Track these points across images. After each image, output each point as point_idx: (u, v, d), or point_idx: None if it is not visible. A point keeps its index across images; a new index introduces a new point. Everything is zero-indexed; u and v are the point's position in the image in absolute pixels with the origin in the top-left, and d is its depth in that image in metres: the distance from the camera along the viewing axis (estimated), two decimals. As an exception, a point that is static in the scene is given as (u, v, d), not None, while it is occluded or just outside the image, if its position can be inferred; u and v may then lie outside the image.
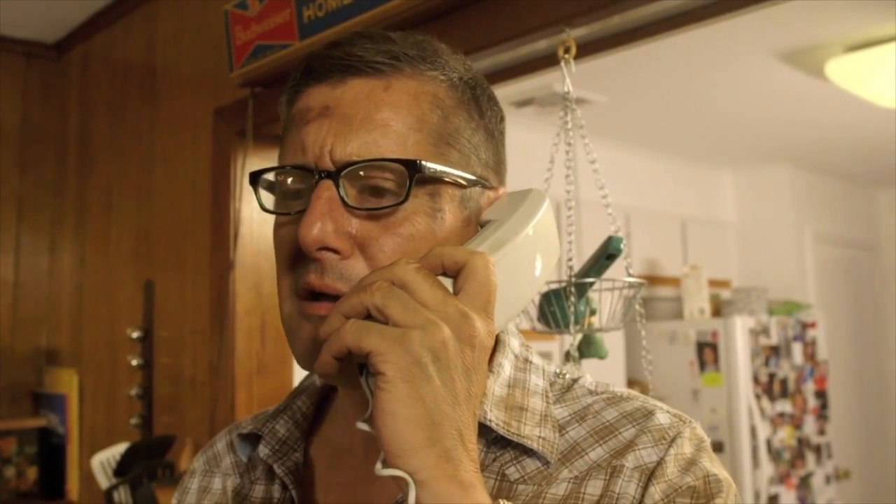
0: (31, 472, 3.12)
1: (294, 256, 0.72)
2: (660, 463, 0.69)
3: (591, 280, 1.66)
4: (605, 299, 1.70)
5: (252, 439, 0.86)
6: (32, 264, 3.37)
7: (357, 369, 0.63)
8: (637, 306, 1.71)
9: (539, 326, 1.72)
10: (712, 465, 0.71)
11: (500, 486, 0.71)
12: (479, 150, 0.76)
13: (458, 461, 0.58)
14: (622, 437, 0.72)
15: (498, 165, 0.79)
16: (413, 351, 0.59)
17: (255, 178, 0.75)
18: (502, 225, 0.73)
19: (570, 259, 1.68)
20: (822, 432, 4.83)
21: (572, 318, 1.64)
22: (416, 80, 0.73)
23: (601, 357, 1.74)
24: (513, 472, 0.72)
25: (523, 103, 3.78)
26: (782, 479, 4.45)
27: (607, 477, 0.69)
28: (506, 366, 0.78)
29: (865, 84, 3.49)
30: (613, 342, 3.17)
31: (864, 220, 6.05)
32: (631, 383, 4.40)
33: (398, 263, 0.64)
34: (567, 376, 0.81)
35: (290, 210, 0.73)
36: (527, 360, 0.80)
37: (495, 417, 0.72)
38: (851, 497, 5.17)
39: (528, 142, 3.90)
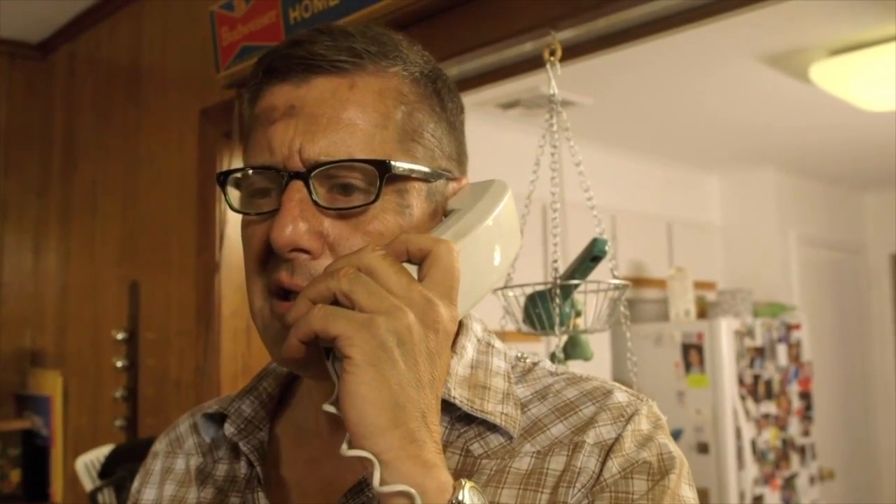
0: (15, 475, 3.10)
1: (264, 254, 0.73)
2: (618, 439, 0.71)
3: (576, 282, 1.67)
4: (591, 301, 1.71)
5: (217, 419, 0.87)
6: (16, 265, 3.35)
7: (323, 354, 0.65)
8: (622, 308, 1.72)
9: (524, 328, 1.73)
10: (668, 442, 0.73)
11: (465, 462, 0.73)
12: (443, 142, 0.77)
13: (421, 442, 0.60)
14: (582, 413, 0.74)
15: (460, 156, 0.81)
16: (379, 335, 0.61)
17: (224, 179, 0.75)
18: (465, 214, 0.75)
19: (555, 261, 1.69)
20: (806, 433, 4.85)
21: (557, 320, 1.64)
22: (380, 76, 0.74)
23: (586, 358, 1.75)
24: (476, 447, 0.74)
25: (509, 105, 3.79)
26: (767, 479, 4.47)
27: (569, 453, 0.71)
28: (469, 348, 0.80)
29: (850, 87, 3.51)
30: (599, 344, 3.18)
31: (848, 223, 6.08)
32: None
33: (364, 250, 0.65)
34: (528, 360, 0.83)
35: (259, 209, 0.73)
36: (489, 344, 0.83)
37: (459, 395, 0.74)
38: (835, 497, 5.19)
39: (513, 144, 3.90)
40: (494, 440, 0.74)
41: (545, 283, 1.69)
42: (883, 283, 6.13)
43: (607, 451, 0.71)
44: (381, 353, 0.61)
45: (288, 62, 0.73)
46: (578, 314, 1.71)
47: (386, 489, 0.59)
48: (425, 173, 0.74)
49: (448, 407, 0.74)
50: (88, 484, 2.46)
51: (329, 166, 0.70)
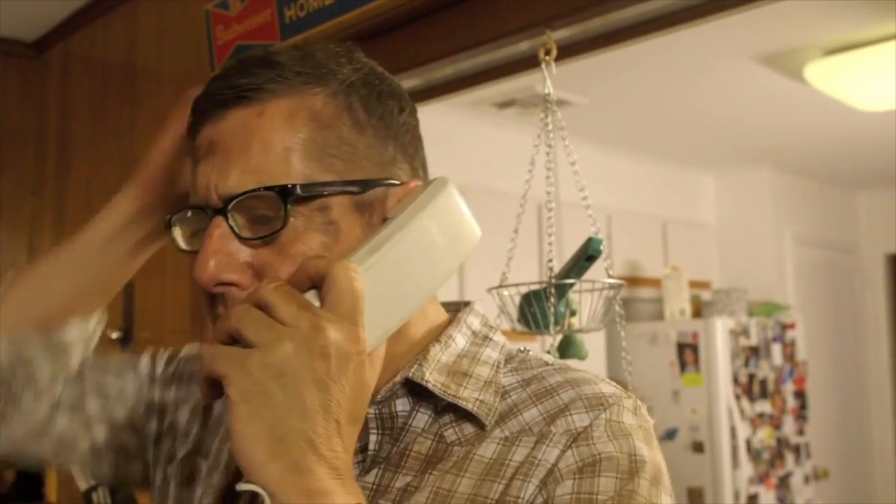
0: (9, 474, 3.09)
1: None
2: (588, 427, 0.70)
3: (571, 281, 1.67)
4: (586, 300, 1.71)
5: None
6: (10, 264, 3.33)
7: None
8: (617, 307, 1.72)
9: (519, 327, 1.73)
10: (648, 446, 0.71)
11: (437, 448, 0.74)
12: (371, 151, 0.75)
13: (306, 471, 0.59)
14: (558, 398, 0.74)
15: (406, 159, 0.78)
16: (252, 371, 0.61)
17: (168, 224, 0.79)
18: (388, 224, 0.72)
19: (550, 260, 1.69)
20: (801, 432, 4.86)
21: (552, 319, 1.65)
22: (290, 98, 0.73)
23: (581, 358, 1.75)
24: (450, 433, 0.74)
25: (504, 105, 3.79)
26: (761, 478, 4.48)
27: (533, 444, 0.71)
28: (458, 339, 0.80)
29: (844, 87, 3.52)
30: (594, 343, 3.18)
31: (843, 222, 6.09)
32: (612, 384, 4.41)
33: (262, 284, 0.65)
34: (530, 352, 0.83)
35: (195, 246, 0.75)
36: (486, 337, 0.82)
37: (433, 379, 0.74)
38: (830, 496, 5.20)
39: (508, 143, 3.91)
40: (469, 427, 0.74)
41: (540, 283, 1.69)
42: (877, 283, 6.14)
43: (574, 438, 0.70)
44: (254, 388, 0.60)
45: (207, 99, 0.74)
46: (573, 313, 1.71)
47: None
48: (345, 186, 0.73)
49: (429, 395, 0.75)
50: (83, 483, 2.46)
51: (237, 199, 0.70)
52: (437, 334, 0.80)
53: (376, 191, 0.74)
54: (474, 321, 0.83)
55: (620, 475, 0.68)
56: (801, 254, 5.46)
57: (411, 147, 0.79)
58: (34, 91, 3.42)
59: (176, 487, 0.90)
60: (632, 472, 0.68)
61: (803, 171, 5.44)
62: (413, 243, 0.72)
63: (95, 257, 0.95)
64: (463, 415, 0.75)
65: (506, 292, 1.73)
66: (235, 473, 0.82)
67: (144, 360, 0.98)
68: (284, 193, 0.69)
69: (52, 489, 3.06)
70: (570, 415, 0.72)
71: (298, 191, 0.70)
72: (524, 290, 1.71)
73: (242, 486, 0.60)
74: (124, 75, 2.94)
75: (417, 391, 0.76)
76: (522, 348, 0.84)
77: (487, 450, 0.72)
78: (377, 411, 0.75)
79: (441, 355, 0.77)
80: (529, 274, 2.88)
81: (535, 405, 0.74)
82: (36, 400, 0.90)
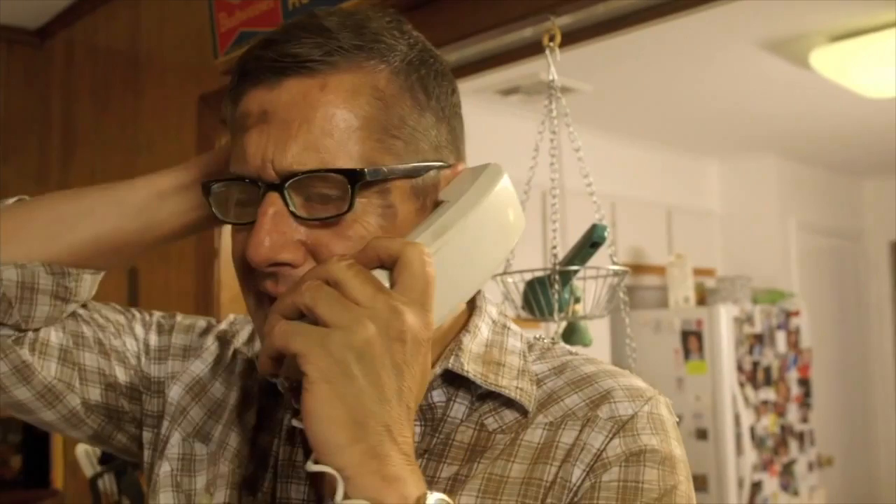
0: (16, 461, 3.11)
1: (248, 263, 0.71)
2: (632, 417, 0.72)
3: (575, 268, 1.67)
4: (590, 287, 1.71)
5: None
6: (15, 252, 3.34)
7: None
8: (621, 294, 1.72)
9: (523, 314, 1.73)
10: (679, 445, 0.74)
11: (479, 436, 0.74)
12: (429, 133, 0.74)
13: (383, 457, 0.59)
14: (599, 385, 0.75)
15: (454, 142, 0.78)
16: (334, 352, 0.60)
17: (207, 189, 0.75)
18: (448, 209, 0.72)
19: (554, 247, 1.69)
20: (805, 420, 4.86)
21: (556, 306, 1.65)
22: (354, 73, 0.70)
23: (585, 345, 1.75)
24: (491, 422, 0.75)
25: (509, 91, 3.78)
26: (766, 466, 4.49)
27: (580, 427, 0.72)
28: (483, 328, 0.80)
29: (850, 74, 3.50)
30: (598, 330, 3.18)
31: (848, 210, 6.08)
32: (616, 371, 4.41)
33: (331, 261, 0.64)
34: (546, 340, 0.84)
35: (242, 219, 0.73)
36: (504, 326, 0.83)
37: (473, 370, 0.75)
38: (834, 483, 5.21)
39: (513, 130, 3.90)
40: (509, 415, 0.75)
41: (544, 270, 1.69)
42: (882, 270, 6.13)
43: (620, 426, 0.71)
44: (336, 370, 0.59)
45: (259, 64, 0.71)
46: (577, 300, 1.71)
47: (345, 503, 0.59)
48: (407, 170, 0.71)
49: (467, 384, 0.75)
50: (89, 470, 2.47)
51: (300, 177, 0.68)
52: (462, 323, 0.80)
53: (430, 174, 0.74)
54: (492, 310, 0.84)
55: (663, 468, 0.70)
56: (806, 241, 5.45)
57: (459, 129, 0.79)
58: (38, 79, 3.41)
59: (172, 471, 0.87)
60: (673, 466, 0.71)
61: (808, 158, 5.42)
62: (475, 229, 0.72)
63: (149, 205, 0.87)
64: (502, 403, 0.75)
65: (510, 279, 1.73)
66: (275, 468, 0.81)
67: (138, 326, 0.94)
68: (354, 178, 0.68)
69: (58, 476, 3.07)
70: (615, 402, 0.73)
71: (367, 176, 0.68)
72: (528, 276, 1.71)
73: (314, 467, 0.60)
74: (127, 63, 2.94)
75: (452, 381, 0.76)
76: (537, 336, 0.84)
77: (534, 435, 0.73)
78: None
79: (471, 345, 0.77)
80: (534, 261, 2.88)
81: (576, 392, 0.75)
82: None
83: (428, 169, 0.73)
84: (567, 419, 0.73)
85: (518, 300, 1.73)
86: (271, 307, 0.65)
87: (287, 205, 0.68)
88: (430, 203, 0.74)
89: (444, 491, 0.69)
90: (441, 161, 0.75)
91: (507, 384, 0.75)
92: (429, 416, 0.75)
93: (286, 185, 0.68)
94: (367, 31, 0.72)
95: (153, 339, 0.93)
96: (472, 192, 0.73)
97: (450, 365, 0.74)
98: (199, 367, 0.91)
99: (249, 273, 0.72)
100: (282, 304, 0.64)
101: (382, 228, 0.70)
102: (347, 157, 0.68)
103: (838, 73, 3.49)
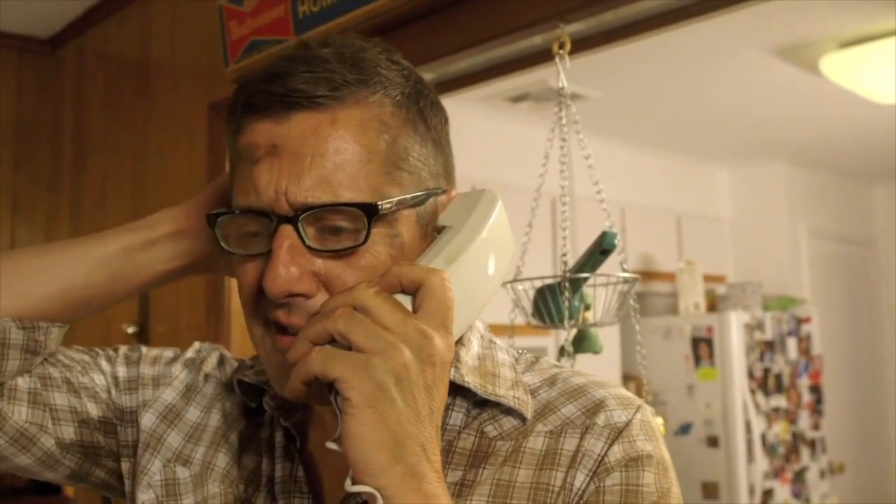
0: (27, 468, 3.11)
1: (257, 293, 0.73)
2: (628, 424, 0.75)
3: (585, 275, 1.67)
4: (600, 294, 1.71)
5: (252, 388, 0.87)
6: (27, 259, 3.36)
7: (327, 389, 0.66)
8: (631, 301, 1.72)
9: (534, 321, 1.73)
10: (665, 448, 0.78)
11: (480, 443, 0.77)
12: (429, 162, 0.76)
13: (421, 475, 0.62)
14: (592, 395, 0.78)
15: (447, 169, 0.80)
16: (376, 377, 0.62)
17: (212, 221, 0.75)
18: (458, 232, 0.75)
19: (564, 254, 1.69)
20: (816, 427, 4.84)
21: (567, 314, 1.65)
22: (361, 108, 0.72)
23: (596, 352, 1.75)
24: (491, 429, 0.77)
25: (518, 99, 3.78)
26: (777, 473, 4.47)
27: (580, 434, 0.75)
28: (474, 342, 0.83)
29: (860, 80, 3.50)
30: (608, 337, 3.17)
31: (859, 216, 6.06)
32: (626, 378, 4.41)
33: (359, 288, 0.66)
34: (528, 355, 0.86)
35: (250, 251, 0.74)
36: (491, 341, 0.85)
37: (472, 381, 0.77)
38: (846, 491, 5.18)
39: (522, 137, 3.90)
40: (508, 422, 0.77)
41: (554, 277, 1.69)
42: (893, 277, 6.10)
43: (617, 434, 0.74)
44: (379, 394, 0.62)
45: (267, 98, 0.72)
46: (588, 307, 1.71)
47: None
48: (413, 200, 0.74)
49: (463, 393, 0.78)
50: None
51: (315, 210, 0.69)
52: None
53: (430, 201, 0.77)
54: (480, 325, 0.86)
55: (658, 472, 0.74)
56: (817, 247, 5.44)
57: (451, 156, 0.82)
58: (50, 87, 3.44)
59: (157, 497, 0.87)
60: (665, 470, 0.75)
61: (818, 164, 5.41)
62: (482, 253, 0.76)
63: (117, 259, 0.88)
64: (501, 411, 0.78)
65: (520, 286, 1.73)
66: (269, 486, 0.82)
67: (103, 362, 0.93)
68: (370, 212, 0.70)
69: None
70: (610, 410, 0.76)
71: (381, 209, 0.70)
72: (538, 284, 1.71)
73: (355, 488, 0.62)
74: (139, 71, 2.96)
75: (449, 391, 0.76)
76: (520, 351, 0.87)
77: (536, 442, 0.75)
78: None
79: (467, 358, 0.80)
80: (544, 268, 2.88)
81: (571, 402, 0.78)
82: None
83: (429, 196, 0.76)
84: (566, 427, 0.76)
85: (528, 307, 1.73)
86: (300, 333, 0.67)
87: (301, 237, 0.70)
88: (430, 229, 0.77)
89: (453, 495, 0.73)
90: (439, 188, 0.78)
91: (505, 393, 0.78)
92: None
93: (300, 217, 0.70)
94: (367, 65, 0.74)
95: (121, 370, 0.93)
96: (475, 217, 0.77)
97: (451, 376, 0.75)
98: (170, 394, 0.92)
99: (257, 302, 0.74)
100: (312, 331, 0.65)
101: (391, 257, 0.72)
102: (358, 190, 0.70)
103: (848, 79, 3.48)
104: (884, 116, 4.06)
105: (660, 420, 1.61)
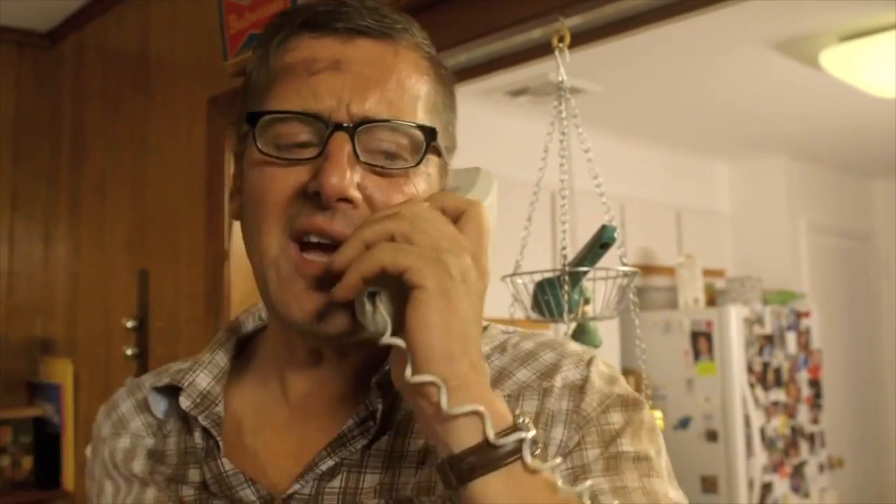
0: (27, 462, 3.12)
1: (290, 200, 0.73)
2: (586, 379, 0.77)
3: (585, 269, 1.67)
4: (600, 288, 1.71)
5: (167, 392, 0.86)
6: (27, 253, 3.36)
7: (364, 298, 0.67)
8: (631, 295, 1.72)
9: (533, 315, 1.73)
10: (626, 383, 0.81)
11: None
12: (448, 124, 0.80)
13: (481, 371, 0.65)
14: (543, 359, 0.80)
15: (453, 143, 0.83)
16: (449, 269, 0.64)
17: (254, 119, 0.74)
18: (469, 191, 0.79)
19: (564, 248, 1.69)
20: (815, 421, 4.85)
21: (566, 307, 1.65)
22: (413, 50, 0.77)
23: (595, 346, 1.75)
24: None
25: (518, 92, 3.78)
26: (776, 467, 4.47)
27: (540, 396, 0.76)
28: None
29: (860, 74, 3.49)
30: (608, 331, 3.18)
31: (859, 210, 6.06)
32: (625, 372, 4.41)
33: (413, 202, 0.70)
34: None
35: (294, 155, 0.73)
36: None
37: None
38: (845, 485, 5.19)
39: (522, 131, 3.90)
40: None
41: (554, 271, 1.69)
42: (893, 271, 6.10)
43: (578, 390, 0.76)
44: (452, 285, 0.64)
45: (334, 18, 0.74)
46: (587, 301, 1.71)
47: (457, 410, 0.61)
48: (445, 147, 0.78)
49: None
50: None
51: (376, 124, 0.71)
52: None
53: (444, 160, 0.80)
54: None
55: (627, 409, 0.76)
56: (816, 242, 5.44)
57: (455, 135, 0.84)
58: (48, 81, 3.43)
59: None
60: (636, 404, 0.77)
61: (818, 158, 5.41)
62: (490, 214, 0.78)
63: None
64: None
65: (519, 280, 1.73)
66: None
67: None
68: (431, 135, 0.74)
69: (69, 477, 3.08)
70: (563, 371, 0.78)
71: (438, 137, 0.74)
72: (538, 277, 1.71)
73: (418, 378, 0.62)
74: (138, 65, 2.95)
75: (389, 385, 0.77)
76: None
77: None
78: (378, 381, 0.76)
79: None
80: (543, 262, 2.88)
81: (524, 367, 0.79)
82: None
83: (447, 154, 0.80)
84: (524, 391, 0.77)
85: (528, 301, 1.73)
86: (353, 234, 0.67)
87: (354, 148, 0.71)
88: (443, 184, 0.80)
89: (419, 464, 0.74)
90: (448, 154, 0.81)
91: None
92: (371, 422, 0.75)
93: (358, 129, 0.71)
94: (411, 22, 0.79)
95: None
96: (482, 183, 0.80)
97: (385, 373, 0.75)
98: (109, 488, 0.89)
99: (283, 211, 0.73)
100: (370, 230, 0.66)
101: (424, 192, 0.75)
102: (413, 117, 0.74)
103: (848, 74, 3.48)
104: (884, 111, 4.05)
105: (658, 414, 1.62)
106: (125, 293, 2.86)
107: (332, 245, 0.71)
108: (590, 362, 0.79)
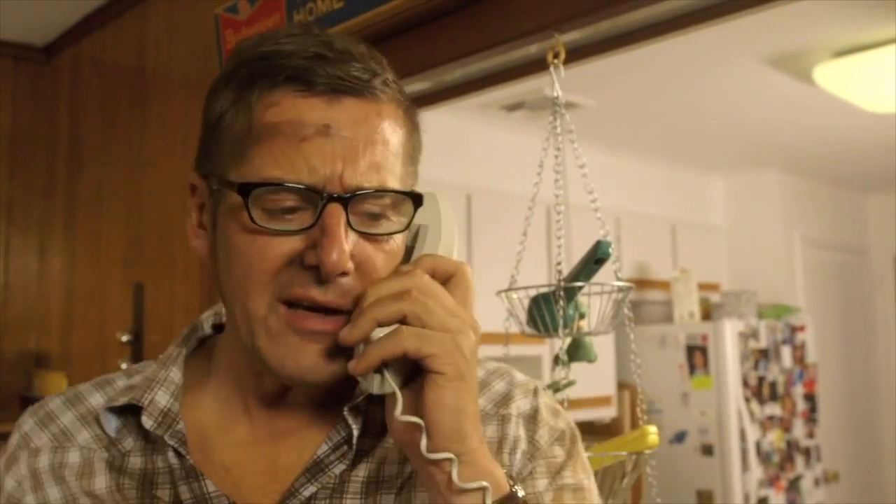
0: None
1: (281, 268, 0.73)
2: (536, 410, 0.84)
3: (580, 284, 1.67)
4: (595, 303, 1.71)
5: (120, 411, 0.83)
6: (21, 267, 3.35)
7: (376, 371, 0.71)
8: (626, 310, 1.72)
9: (528, 330, 1.73)
10: (565, 413, 0.88)
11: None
12: (418, 161, 0.82)
13: (485, 443, 0.72)
14: (495, 389, 0.85)
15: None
16: (465, 353, 0.69)
17: (247, 190, 0.72)
18: (438, 229, 0.81)
19: (559, 263, 1.69)
20: (811, 435, 4.84)
21: (561, 322, 1.65)
22: (393, 104, 0.77)
23: (590, 360, 1.75)
24: None
25: (513, 107, 3.79)
26: (771, 481, 4.47)
27: (499, 423, 0.82)
28: None
29: (853, 89, 3.51)
30: (603, 346, 3.17)
31: (853, 224, 6.07)
32: (621, 386, 4.41)
33: (415, 274, 0.72)
34: None
35: (281, 224, 0.73)
36: None
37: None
38: (840, 499, 5.18)
39: (517, 146, 3.91)
40: None
41: (549, 285, 1.69)
42: (887, 285, 6.12)
43: (529, 420, 0.83)
44: (466, 369, 0.69)
45: (317, 73, 0.73)
46: (582, 316, 1.71)
47: (467, 485, 0.67)
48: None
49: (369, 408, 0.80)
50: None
51: (369, 193, 0.73)
52: None
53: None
54: None
55: (565, 443, 0.83)
56: (811, 256, 5.45)
57: None
58: (45, 95, 3.43)
59: None
60: (573, 438, 0.84)
61: (813, 173, 5.42)
62: (455, 245, 0.82)
63: None
64: None
65: (515, 295, 1.73)
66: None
67: None
68: (417, 201, 0.76)
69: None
70: (516, 400, 0.84)
71: (420, 200, 0.76)
72: (533, 292, 1.71)
73: (434, 456, 0.68)
74: (134, 79, 2.96)
75: (357, 410, 0.79)
76: None
77: None
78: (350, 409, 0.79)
79: None
80: (538, 277, 2.87)
81: (480, 396, 0.82)
82: None
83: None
84: (483, 418, 0.80)
85: (523, 316, 1.73)
86: (362, 313, 0.70)
87: (348, 218, 0.72)
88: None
89: (398, 490, 0.78)
90: None
91: None
92: (346, 447, 0.79)
93: (351, 199, 0.72)
94: (386, 66, 0.79)
95: None
96: (444, 217, 0.82)
97: (358, 402, 0.78)
98: (53, 493, 0.84)
99: (273, 278, 0.73)
100: (381, 311, 0.70)
101: (401, 245, 0.78)
102: (397, 179, 0.76)
103: (842, 89, 3.49)
104: (877, 125, 4.07)
105: (654, 428, 1.62)
106: (120, 307, 2.86)
107: (321, 308, 0.73)
108: (535, 392, 0.85)
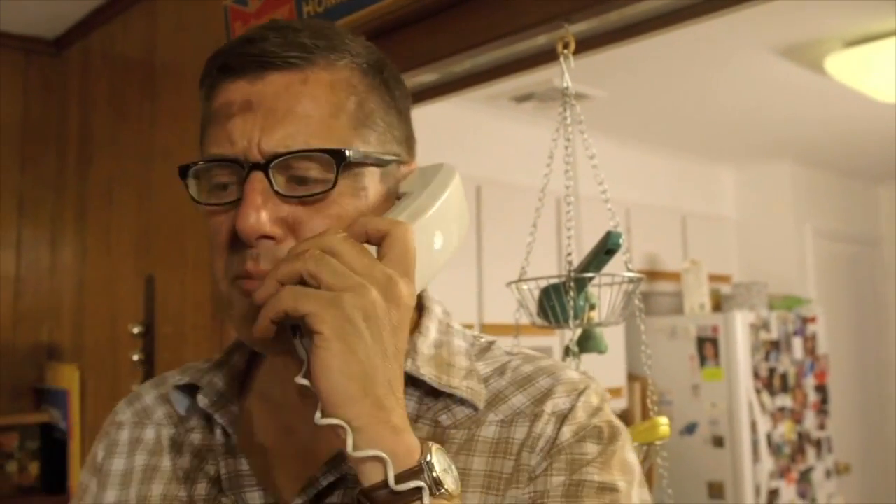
0: (34, 468, 3.12)
1: (229, 242, 0.76)
2: (572, 409, 0.79)
3: (590, 275, 1.67)
4: (605, 294, 1.71)
5: (187, 390, 0.89)
6: (33, 260, 3.37)
7: (290, 332, 0.69)
8: (636, 301, 1.72)
9: (538, 321, 1.73)
10: (613, 415, 0.82)
11: (434, 432, 0.79)
12: (393, 128, 0.81)
13: (389, 409, 0.66)
14: (539, 385, 0.81)
15: (409, 141, 0.85)
16: (346, 311, 0.65)
17: (185, 172, 0.79)
18: (418, 197, 0.79)
19: (569, 254, 1.69)
20: (822, 427, 4.83)
21: (572, 313, 1.65)
22: (330, 70, 0.77)
23: (601, 352, 1.75)
24: (444, 419, 0.80)
25: (523, 99, 3.78)
26: (782, 473, 4.46)
27: (530, 422, 0.78)
28: (431, 329, 0.86)
29: (865, 79, 3.49)
30: (613, 337, 3.17)
31: (865, 216, 6.05)
32: (631, 378, 4.41)
33: (327, 233, 0.70)
34: (483, 339, 0.89)
35: (221, 200, 0.77)
36: (448, 325, 0.88)
37: (427, 373, 0.80)
38: (852, 491, 5.17)
39: (527, 137, 3.90)
40: (461, 412, 0.80)
41: (559, 277, 1.69)
42: (899, 276, 6.10)
43: (563, 419, 0.78)
44: (349, 328, 0.65)
45: (242, 60, 0.77)
46: (593, 307, 1.71)
47: (359, 454, 0.64)
48: (378, 158, 0.78)
49: (416, 383, 0.80)
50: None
51: (287, 157, 0.73)
52: (414, 323, 0.85)
53: (392, 166, 0.81)
54: (437, 309, 0.89)
55: (602, 440, 0.77)
56: (822, 247, 5.43)
57: (411, 129, 0.86)
58: (55, 88, 3.44)
59: None
60: (611, 436, 0.78)
61: (824, 163, 5.40)
62: (441, 217, 0.80)
63: None
64: (454, 401, 0.80)
65: (525, 286, 1.73)
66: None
67: None
68: (339, 157, 0.74)
69: (75, 482, 3.09)
70: (555, 398, 0.79)
71: (350, 157, 0.74)
72: (543, 284, 1.71)
73: (323, 421, 0.65)
74: (144, 72, 2.96)
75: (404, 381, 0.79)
76: (475, 334, 0.90)
77: (488, 431, 0.79)
78: None
79: (423, 347, 0.83)
80: (548, 268, 2.87)
81: (520, 391, 0.81)
82: None
83: (394, 160, 0.81)
84: (517, 417, 0.79)
85: (533, 307, 1.73)
86: (269, 274, 0.69)
87: (271, 183, 0.73)
88: (392, 193, 0.81)
89: None
90: (401, 155, 0.82)
91: (459, 384, 0.80)
92: None
93: (271, 165, 0.73)
94: (334, 34, 0.80)
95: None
96: (436, 183, 0.81)
97: (407, 368, 0.77)
98: (118, 463, 0.92)
99: (229, 257, 0.77)
100: (281, 271, 0.68)
101: (357, 209, 0.76)
102: (327, 141, 0.75)
103: (853, 79, 3.47)
104: (889, 116, 4.05)
105: (665, 420, 1.62)
106: (132, 299, 2.87)
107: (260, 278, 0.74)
108: (582, 392, 0.80)
